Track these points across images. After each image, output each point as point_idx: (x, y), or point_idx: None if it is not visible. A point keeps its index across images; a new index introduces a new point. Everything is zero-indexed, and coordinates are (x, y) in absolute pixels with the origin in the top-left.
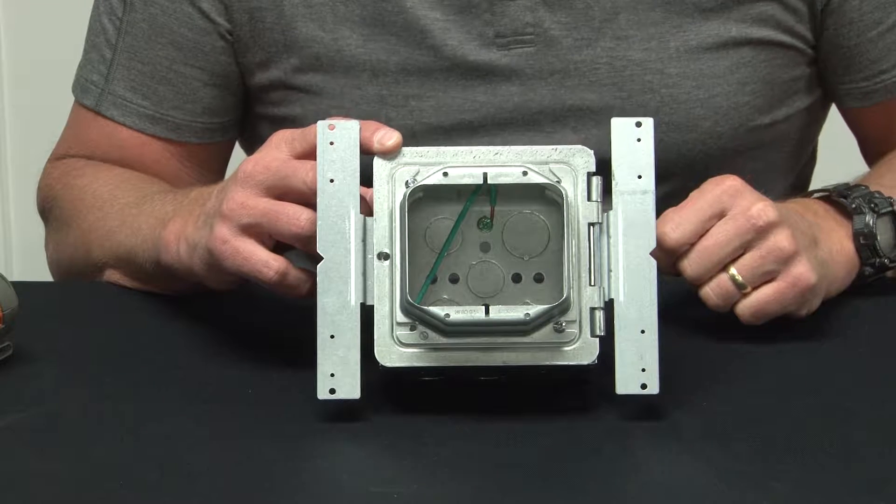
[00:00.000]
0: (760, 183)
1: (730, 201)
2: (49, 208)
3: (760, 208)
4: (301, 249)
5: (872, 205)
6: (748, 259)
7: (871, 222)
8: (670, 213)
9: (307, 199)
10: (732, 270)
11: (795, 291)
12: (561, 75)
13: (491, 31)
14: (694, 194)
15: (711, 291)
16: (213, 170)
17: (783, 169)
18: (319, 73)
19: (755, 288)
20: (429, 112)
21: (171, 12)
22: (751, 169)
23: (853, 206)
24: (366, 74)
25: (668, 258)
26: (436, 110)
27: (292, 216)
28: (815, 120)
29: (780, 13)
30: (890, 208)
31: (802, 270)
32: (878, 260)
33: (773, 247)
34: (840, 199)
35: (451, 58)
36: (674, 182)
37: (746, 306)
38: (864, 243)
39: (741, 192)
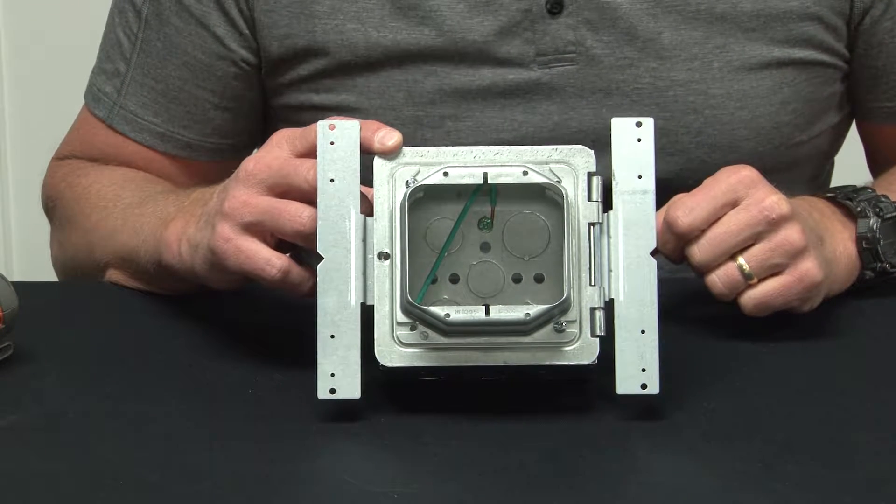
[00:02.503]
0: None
1: (744, 191)
2: (53, 207)
3: (774, 201)
4: (304, 247)
5: (878, 209)
6: (757, 250)
7: (874, 227)
8: (683, 197)
9: (309, 197)
10: (741, 260)
11: (801, 287)
12: (602, 94)
13: (532, 50)
14: (708, 181)
15: (718, 279)
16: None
17: (808, 181)
18: (353, 93)
19: (761, 280)
20: (466, 132)
21: (185, 34)
22: (778, 182)
23: (858, 209)
24: (401, 95)
25: (676, 242)
26: (473, 131)
27: (294, 213)
28: (841, 134)
29: (821, 33)
30: (895, 213)
31: (810, 266)
32: (879, 265)
33: (784, 240)
34: (846, 201)
35: (490, 76)
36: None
37: (751, 297)
38: (867, 247)
39: (756, 183)
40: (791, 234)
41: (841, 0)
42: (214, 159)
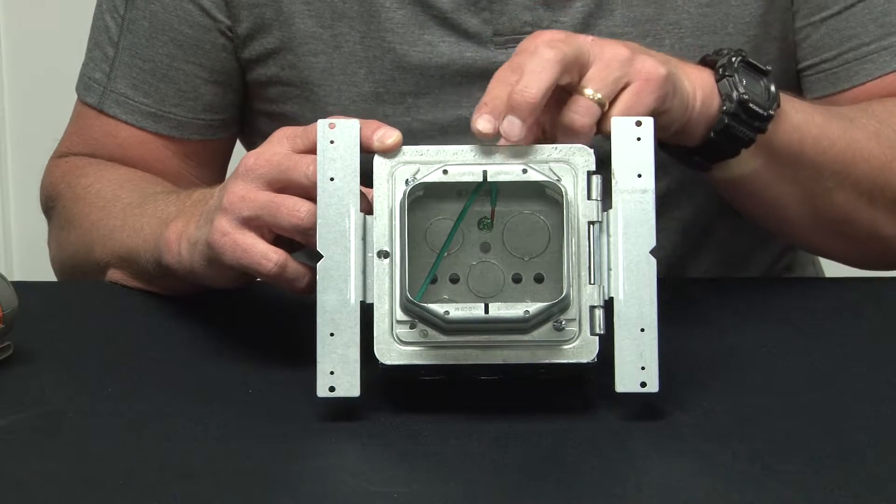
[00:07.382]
0: None
1: (529, 44)
2: (52, 207)
3: (554, 33)
4: (302, 242)
5: (740, 57)
6: (593, 73)
7: (734, 61)
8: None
9: (308, 193)
10: (586, 91)
11: (652, 86)
12: None
13: (489, 30)
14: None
15: (574, 114)
16: (215, 167)
17: None
18: (317, 69)
19: (613, 102)
20: (425, 109)
21: (171, 10)
22: None
23: (719, 57)
24: (363, 71)
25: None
26: (432, 107)
27: (292, 208)
28: None
29: (775, 12)
30: (756, 64)
31: (648, 65)
32: (736, 94)
33: (611, 55)
34: (709, 56)
35: (447, 54)
36: (673, 176)
37: (613, 118)
38: (726, 75)
39: (552, 32)
40: (613, 47)
41: None
42: (206, 137)
